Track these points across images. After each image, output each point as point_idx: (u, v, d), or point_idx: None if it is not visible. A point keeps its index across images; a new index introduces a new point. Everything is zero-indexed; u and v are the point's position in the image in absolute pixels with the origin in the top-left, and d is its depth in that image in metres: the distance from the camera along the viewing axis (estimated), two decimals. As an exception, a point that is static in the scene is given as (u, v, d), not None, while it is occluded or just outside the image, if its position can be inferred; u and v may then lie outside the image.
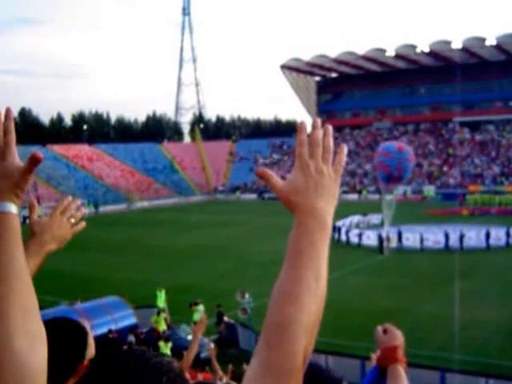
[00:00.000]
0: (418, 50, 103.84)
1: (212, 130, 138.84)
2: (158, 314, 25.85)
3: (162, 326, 25.14)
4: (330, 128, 1.84)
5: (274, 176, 1.80)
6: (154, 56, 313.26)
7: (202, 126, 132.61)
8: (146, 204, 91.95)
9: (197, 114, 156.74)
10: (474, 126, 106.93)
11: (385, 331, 2.99)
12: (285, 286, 1.66)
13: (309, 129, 1.78)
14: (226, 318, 26.16)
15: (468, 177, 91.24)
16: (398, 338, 2.96)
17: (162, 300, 27.91)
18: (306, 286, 1.65)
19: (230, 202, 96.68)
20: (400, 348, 2.89)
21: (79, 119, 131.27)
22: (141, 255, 45.88)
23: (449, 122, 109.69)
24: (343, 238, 49.49)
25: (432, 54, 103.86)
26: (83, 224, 2.86)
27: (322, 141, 1.80)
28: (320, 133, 1.79)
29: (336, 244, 48.72)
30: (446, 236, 45.33)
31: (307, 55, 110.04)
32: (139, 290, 31.46)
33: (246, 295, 23.44)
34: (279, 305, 1.64)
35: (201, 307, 26.40)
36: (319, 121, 1.85)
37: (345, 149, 1.88)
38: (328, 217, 1.76)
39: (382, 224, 50.18)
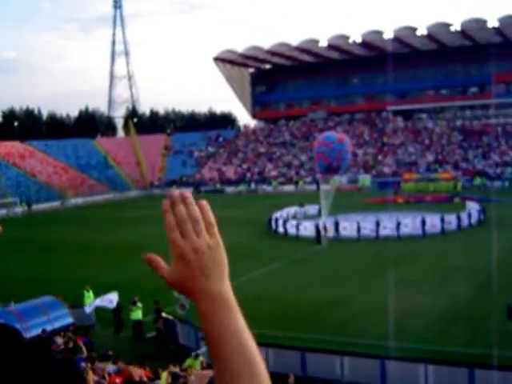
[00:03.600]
0: (351, 41, 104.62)
1: (146, 124, 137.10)
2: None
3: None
4: (187, 194, 1.70)
5: (161, 264, 1.68)
6: (85, 50, 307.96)
7: (135, 120, 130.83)
8: (80, 201, 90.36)
9: (130, 108, 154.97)
10: (408, 115, 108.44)
11: None
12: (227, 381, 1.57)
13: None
14: (164, 314, 25.75)
15: (402, 165, 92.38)
16: None
17: (90, 300, 27.58)
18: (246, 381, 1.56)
19: (166, 196, 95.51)
20: None
21: (10, 116, 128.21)
22: (76, 253, 44.90)
23: (382, 112, 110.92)
24: (280, 229, 49.40)
25: (364, 44, 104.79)
26: None
27: (187, 214, 1.66)
28: (182, 208, 1.66)
29: (273, 236, 48.68)
30: (377, 224, 45.56)
31: (241, 47, 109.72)
32: (75, 289, 30.58)
33: (184, 291, 22.90)
34: None
35: (138, 305, 25.99)
36: (175, 194, 1.70)
37: (205, 205, 1.72)
38: (229, 292, 1.66)
39: (319, 214, 50.27)
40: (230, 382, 1.54)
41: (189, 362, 18.81)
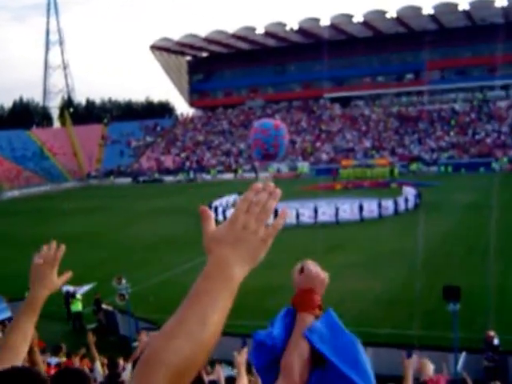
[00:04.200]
0: (288, 28, 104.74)
1: (82, 114, 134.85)
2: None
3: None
4: (278, 192, 1.91)
5: (211, 218, 1.88)
6: (19, 39, 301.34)
7: (71, 110, 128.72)
8: (16, 193, 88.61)
9: (66, 97, 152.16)
10: (345, 102, 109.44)
11: (302, 270, 2.49)
12: (168, 323, 1.66)
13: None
14: (104, 306, 25.45)
15: (340, 152, 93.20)
16: (315, 278, 2.47)
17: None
18: (186, 327, 1.63)
19: (104, 186, 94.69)
20: (314, 292, 2.39)
21: None
22: (11, 247, 43.85)
23: (320, 99, 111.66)
24: (220, 217, 49.17)
25: (301, 31, 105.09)
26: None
27: (264, 202, 1.87)
28: (265, 195, 1.88)
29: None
30: (316, 210, 45.83)
31: (177, 35, 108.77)
32: (12, 283, 29.87)
33: (123, 281, 22.63)
34: (154, 339, 1.64)
35: (78, 296, 25.68)
36: (271, 186, 1.92)
37: (286, 214, 1.95)
38: (238, 271, 1.79)
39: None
40: (175, 324, 1.64)
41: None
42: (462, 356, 17.86)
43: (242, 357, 5.81)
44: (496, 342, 17.72)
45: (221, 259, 1.76)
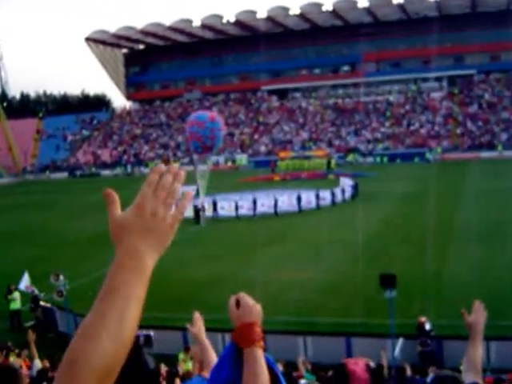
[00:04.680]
0: (225, 20, 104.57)
1: (16, 108, 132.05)
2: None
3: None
4: (183, 174, 1.82)
5: (116, 203, 1.80)
6: None
7: (5, 103, 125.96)
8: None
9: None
10: (282, 94, 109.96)
11: (238, 303, 2.50)
12: (86, 320, 1.60)
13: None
14: (42, 303, 25.12)
15: (278, 144, 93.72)
16: (254, 310, 2.49)
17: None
18: (106, 324, 1.58)
19: (40, 182, 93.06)
20: (256, 325, 2.42)
21: None
22: None
23: (257, 91, 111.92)
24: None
25: (238, 23, 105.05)
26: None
27: (170, 184, 1.78)
28: (170, 178, 1.78)
29: (152, 217, 48.17)
30: (255, 202, 46.03)
31: (113, 27, 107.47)
32: None
33: (61, 277, 22.35)
34: (75, 339, 1.58)
35: (16, 294, 25.27)
36: (175, 167, 1.82)
37: (190, 195, 1.90)
38: (149, 261, 1.73)
39: (196, 195, 50.17)
40: (94, 321, 1.58)
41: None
42: (399, 342, 18.28)
43: (195, 326, 4.71)
44: (428, 327, 18.19)
45: (133, 249, 1.70)
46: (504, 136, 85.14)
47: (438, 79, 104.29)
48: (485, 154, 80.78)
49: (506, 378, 13.45)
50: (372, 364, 2.48)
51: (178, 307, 24.03)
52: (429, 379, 7.24)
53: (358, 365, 2.29)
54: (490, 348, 17.86)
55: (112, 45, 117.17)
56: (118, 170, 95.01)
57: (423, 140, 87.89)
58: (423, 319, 18.29)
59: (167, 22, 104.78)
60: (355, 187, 51.80)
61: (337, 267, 28.47)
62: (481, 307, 3.90)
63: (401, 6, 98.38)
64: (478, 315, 3.79)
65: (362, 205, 46.21)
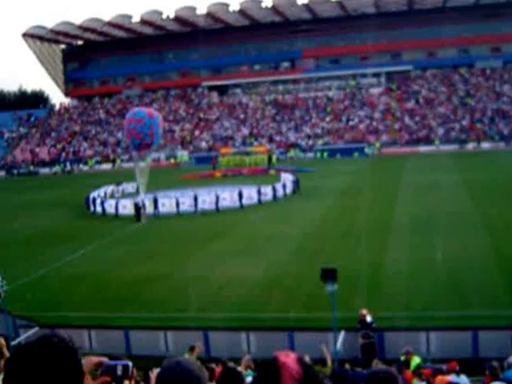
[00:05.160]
0: (164, 16, 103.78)
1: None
2: None
3: None
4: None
5: None
6: None
7: None
8: None
9: None
10: (223, 90, 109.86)
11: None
12: None
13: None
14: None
15: (219, 140, 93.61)
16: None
17: None
18: None
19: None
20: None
21: None
22: None
23: (198, 87, 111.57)
24: (99, 209, 48.42)
25: (178, 19, 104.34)
26: None
27: None
28: None
29: (91, 216, 47.65)
30: (196, 199, 45.91)
31: (51, 22, 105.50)
32: None
33: (-1, 277, 21.83)
34: None
35: None
36: None
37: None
38: None
39: (137, 192, 49.82)
40: None
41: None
42: (341, 335, 18.43)
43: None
44: (369, 319, 18.39)
45: None
46: (441, 131, 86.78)
47: (376, 75, 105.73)
48: (422, 149, 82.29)
49: (445, 367, 13.67)
50: (308, 359, 2.46)
51: (118, 306, 23.80)
52: (366, 373, 7.29)
53: (290, 357, 2.27)
54: (430, 339, 18.17)
55: (50, 40, 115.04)
56: (57, 168, 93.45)
57: (362, 135, 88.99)
58: (365, 312, 18.47)
59: (106, 18, 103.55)
60: (296, 182, 52.06)
61: (278, 262, 28.54)
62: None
63: (339, 3, 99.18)
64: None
65: (303, 199, 46.67)
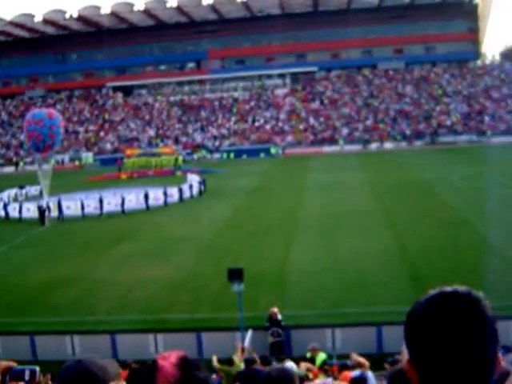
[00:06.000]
0: (68, 16, 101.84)
1: None
2: None
3: None
4: None
5: None
6: None
7: None
8: None
9: None
10: (128, 91, 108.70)
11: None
12: None
13: None
14: None
15: (124, 141, 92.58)
16: None
17: None
18: None
19: None
20: None
21: None
22: None
23: (102, 88, 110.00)
24: (1, 213, 47.03)
25: (82, 19, 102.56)
26: None
27: None
28: None
29: (-6, 220, 46.32)
30: (101, 201, 45.30)
31: None
32: None
33: None
34: None
35: None
36: None
37: None
38: None
39: (40, 195, 48.70)
40: None
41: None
42: (249, 334, 18.53)
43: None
44: (279, 317, 18.59)
45: None
46: (345, 131, 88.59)
47: (282, 76, 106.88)
48: (327, 149, 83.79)
49: (351, 362, 13.93)
50: (188, 356, 2.45)
51: (23, 311, 23.23)
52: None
53: (168, 360, 2.25)
54: (335, 335, 18.50)
55: None
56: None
57: (268, 136, 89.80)
58: (275, 310, 18.65)
59: (7, 17, 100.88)
60: (203, 183, 52.07)
61: (186, 263, 28.48)
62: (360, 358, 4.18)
63: (245, 4, 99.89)
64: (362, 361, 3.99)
65: (210, 200, 46.73)
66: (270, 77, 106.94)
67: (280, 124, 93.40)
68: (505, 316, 16.44)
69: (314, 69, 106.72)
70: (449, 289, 1.87)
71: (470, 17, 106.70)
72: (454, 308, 1.80)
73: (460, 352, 1.76)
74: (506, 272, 23.37)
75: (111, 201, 46.22)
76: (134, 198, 46.89)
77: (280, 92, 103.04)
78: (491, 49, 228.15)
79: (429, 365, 1.80)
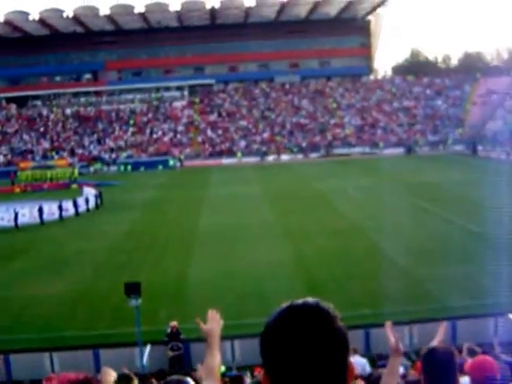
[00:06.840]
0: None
1: None
2: None
3: None
4: None
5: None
6: None
7: None
8: None
9: None
10: (21, 102, 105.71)
11: None
12: None
13: None
14: None
15: (18, 154, 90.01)
16: None
17: None
18: None
19: None
20: None
21: None
22: None
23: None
24: None
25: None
26: None
27: None
28: None
29: None
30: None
31: None
32: None
33: None
34: None
35: None
36: None
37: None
38: None
39: None
40: None
41: None
42: (147, 349, 18.38)
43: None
44: (179, 331, 18.56)
45: None
46: (242, 143, 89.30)
47: (180, 88, 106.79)
48: (225, 161, 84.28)
49: (249, 373, 14.04)
50: (82, 376, 2.43)
51: None
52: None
53: (52, 381, 2.23)
54: (235, 346, 18.59)
55: None
56: None
57: (166, 148, 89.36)
58: (175, 323, 18.61)
59: None
60: (99, 196, 51.27)
61: (82, 279, 27.95)
62: (215, 315, 3.94)
63: (142, 15, 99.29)
64: (214, 323, 3.86)
65: (107, 214, 46.11)
66: (167, 89, 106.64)
67: (178, 136, 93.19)
68: (401, 321, 16.93)
69: (212, 81, 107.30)
70: (299, 301, 1.98)
71: (363, 33, 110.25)
72: (300, 320, 1.92)
73: (307, 362, 1.86)
74: (396, 277, 24.23)
75: (4, 215, 44.84)
76: (27, 213, 45.62)
77: (178, 104, 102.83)
78: (383, 65, 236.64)
79: (280, 375, 1.89)
